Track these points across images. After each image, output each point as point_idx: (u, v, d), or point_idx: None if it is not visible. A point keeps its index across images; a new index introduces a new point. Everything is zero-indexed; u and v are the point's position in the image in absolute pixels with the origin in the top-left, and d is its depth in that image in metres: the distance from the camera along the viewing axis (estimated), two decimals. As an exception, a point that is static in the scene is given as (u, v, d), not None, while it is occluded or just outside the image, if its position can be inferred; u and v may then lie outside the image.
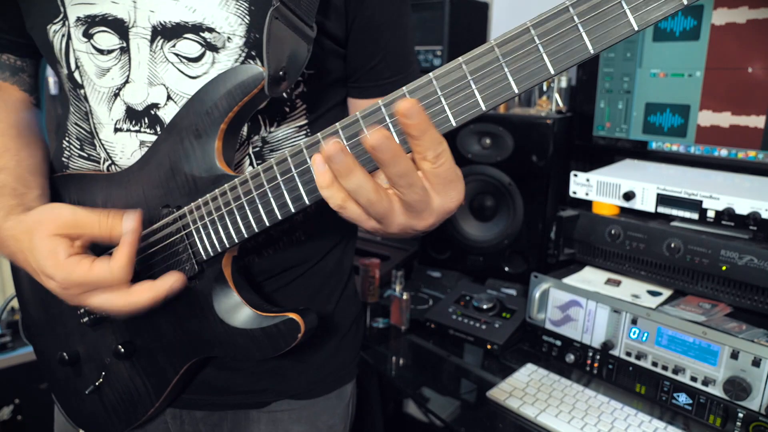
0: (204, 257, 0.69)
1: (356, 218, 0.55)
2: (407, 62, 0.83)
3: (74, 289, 0.64)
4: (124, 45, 0.71)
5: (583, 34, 0.48)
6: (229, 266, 0.71)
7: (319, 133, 0.58)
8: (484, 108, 0.52)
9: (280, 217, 0.62)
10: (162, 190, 0.70)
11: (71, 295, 0.65)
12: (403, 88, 0.53)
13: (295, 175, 0.60)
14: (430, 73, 0.52)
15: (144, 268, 0.71)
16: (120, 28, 0.70)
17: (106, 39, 0.71)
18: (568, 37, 0.49)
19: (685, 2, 0.46)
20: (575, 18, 0.48)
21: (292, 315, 0.68)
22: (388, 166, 0.49)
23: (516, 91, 0.51)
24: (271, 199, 0.62)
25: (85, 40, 0.72)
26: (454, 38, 1.67)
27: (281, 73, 0.65)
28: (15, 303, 0.88)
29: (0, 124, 0.76)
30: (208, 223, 0.67)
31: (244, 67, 0.66)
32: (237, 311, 0.70)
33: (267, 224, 0.64)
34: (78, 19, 0.71)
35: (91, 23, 0.71)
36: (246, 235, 0.65)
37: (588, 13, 0.48)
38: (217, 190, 0.66)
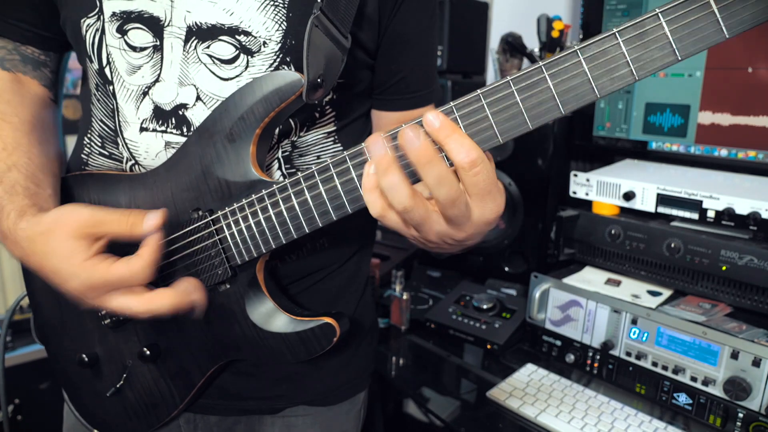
0: (239, 262, 0.68)
1: (396, 226, 0.56)
2: (432, 78, 0.84)
3: (95, 291, 0.62)
4: (158, 43, 0.70)
5: (629, 61, 0.50)
6: (262, 271, 0.71)
7: (363, 143, 0.58)
8: (531, 126, 0.54)
9: (321, 225, 0.63)
10: (192, 194, 0.69)
11: (91, 297, 0.63)
12: (450, 102, 0.54)
13: (338, 184, 0.60)
14: (478, 90, 0.54)
15: (175, 271, 0.70)
16: (155, 26, 0.70)
17: (140, 36, 0.71)
18: (614, 63, 0.51)
19: (728, 36, 0.48)
20: (622, 45, 0.50)
21: (328, 319, 0.69)
22: (423, 167, 0.50)
23: (562, 111, 0.53)
24: (312, 207, 0.62)
25: (119, 36, 0.71)
26: (454, 38, 1.67)
27: (319, 79, 0.66)
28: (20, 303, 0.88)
29: (14, 119, 0.75)
30: (244, 228, 0.67)
31: (281, 73, 0.65)
32: (271, 315, 0.70)
33: (307, 231, 0.64)
34: (114, 14, 0.70)
35: (126, 19, 0.70)
36: (284, 242, 0.65)
37: (634, 41, 0.50)
38: (254, 196, 0.65)
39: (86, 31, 0.72)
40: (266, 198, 0.65)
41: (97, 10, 0.71)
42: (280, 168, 0.75)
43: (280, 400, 0.84)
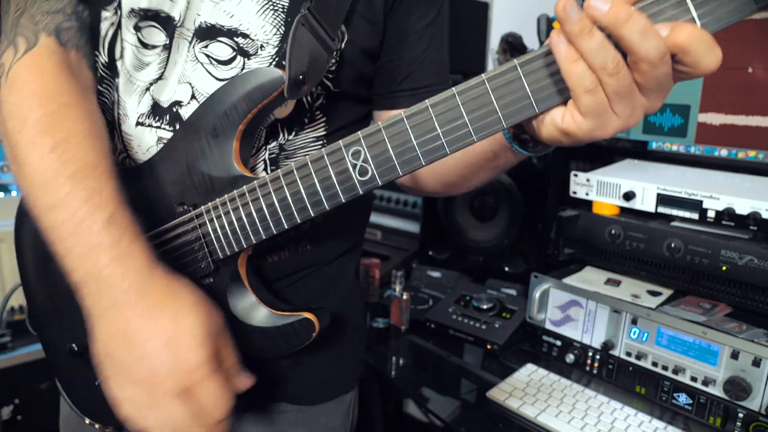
0: (220, 256, 0.69)
1: (596, 107, 0.49)
2: (444, 72, 0.82)
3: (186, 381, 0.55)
4: (168, 43, 0.71)
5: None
6: (244, 265, 0.72)
7: (340, 141, 0.60)
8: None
9: (299, 221, 0.64)
10: (178, 188, 0.70)
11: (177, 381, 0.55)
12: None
13: (316, 181, 0.62)
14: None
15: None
16: (169, 26, 0.71)
17: (154, 34, 0.71)
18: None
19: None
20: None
21: (307, 314, 0.70)
22: (622, 27, 0.44)
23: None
24: (291, 203, 0.64)
25: (134, 32, 0.72)
26: (454, 38, 1.67)
27: (301, 77, 0.66)
28: (14, 302, 0.88)
29: (101, 127, 0.65)
30: (225, 223, 0.68)
31: (264, 70, 0.67)
32: (252, 310, 0.71)
33: (286, 227, 0.65)
34: (132, 10, 0.71)
35: (143, 16, 0.71)
36: (264, 237, 0.66)
37: None
38: (235, 191, 0.67)
39: (101, 23, 0.73)
40: (247, 193, 0.66)
41: (115, 4, 0.71)
42: (265, 169, 0.76)
43: (259, 396, 0.84)
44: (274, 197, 0.64)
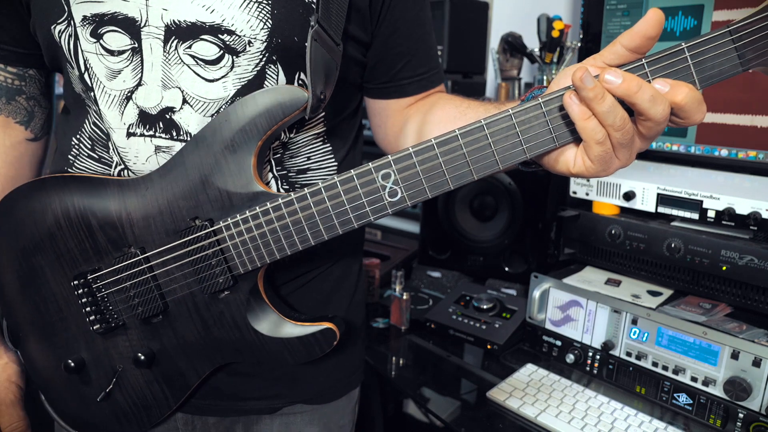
0: (241, 271, 0.69)
1: (603, 155, 0.57)
2: (436, 57, 0.84)
3: None
4: (136, 45, 0.68)
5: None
6: (262, 278, 0.72)
7: (369, 163, 0.62)
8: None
9: (326, 238, 0.65)
10: (191, 202, 0.69)
11: None
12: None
13: (345, 200, 0.63)
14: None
15: (173, 279, 0.71)
16: (131, 27, 0.67)
17: (117, 39, 0.68)
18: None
19: (698, 89, 0.54)
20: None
21: (329, 324, 0.71)
22: (635, 95, 0.52)
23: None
24: (318, 221, 0.65)
25: (94, 40, 0.69)
26: (454, 38, 1.67)
27: (322, 96, 0.67)
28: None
29: None
30: (247, 239, 0.67)
31: (285, 88, 0.66)
32: (272, 322, 0.71)
33: (312, 244, 0.66)
34: (84, 18, 0.68)
35: (99, 22, 0.68)
36: (289, 253, 0.67)
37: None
38: (258, 209, 0.66)
39: (60, 37, 0.70)
40: (271, 211, 0.66)
41: (66, 15, 0.68)
42: (271, 170, 0.75)
43: (277, 399, 0.84)
44: (300, 215, 0.65)
